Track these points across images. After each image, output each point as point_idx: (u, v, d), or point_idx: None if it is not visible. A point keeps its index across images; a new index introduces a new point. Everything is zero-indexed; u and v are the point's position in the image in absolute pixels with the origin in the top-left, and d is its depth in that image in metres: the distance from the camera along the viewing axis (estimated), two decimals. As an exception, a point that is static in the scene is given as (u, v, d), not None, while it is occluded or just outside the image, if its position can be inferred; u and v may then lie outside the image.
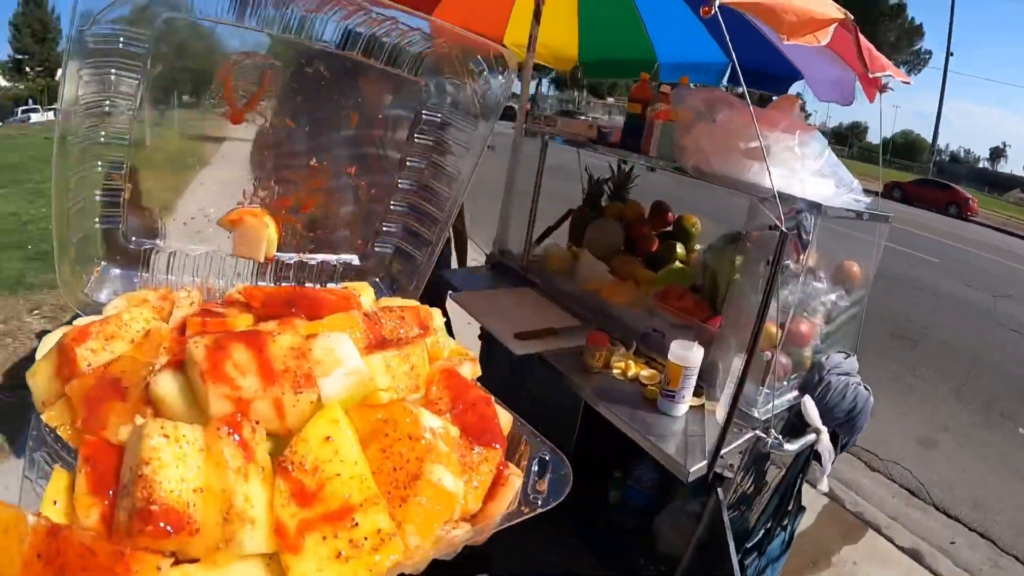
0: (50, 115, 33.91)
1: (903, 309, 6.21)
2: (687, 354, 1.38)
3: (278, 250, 1.05)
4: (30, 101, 38.17)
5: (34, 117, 32.35)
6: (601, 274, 2.07)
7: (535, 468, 0.85)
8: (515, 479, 0.81)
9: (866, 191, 1.58)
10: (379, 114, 1.07)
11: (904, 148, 41.58)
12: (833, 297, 1.60)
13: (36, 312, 3.98)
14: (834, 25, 1.27)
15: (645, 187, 2.54)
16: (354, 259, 1.17)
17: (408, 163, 1.11)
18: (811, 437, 1.45)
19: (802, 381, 1.57)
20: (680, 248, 2.17)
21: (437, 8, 3.12)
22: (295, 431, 0.70)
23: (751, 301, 1.35)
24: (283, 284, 1.08)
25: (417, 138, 1.09)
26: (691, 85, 1.82)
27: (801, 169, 1.40)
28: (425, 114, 1.08)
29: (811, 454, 1.55)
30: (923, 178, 23.46)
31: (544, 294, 2.14)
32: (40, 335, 3.62)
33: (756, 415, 1.44)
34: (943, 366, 4.97)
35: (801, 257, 1.37)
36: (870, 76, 1.53)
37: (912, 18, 36.41)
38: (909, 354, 5.13)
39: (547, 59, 3.53)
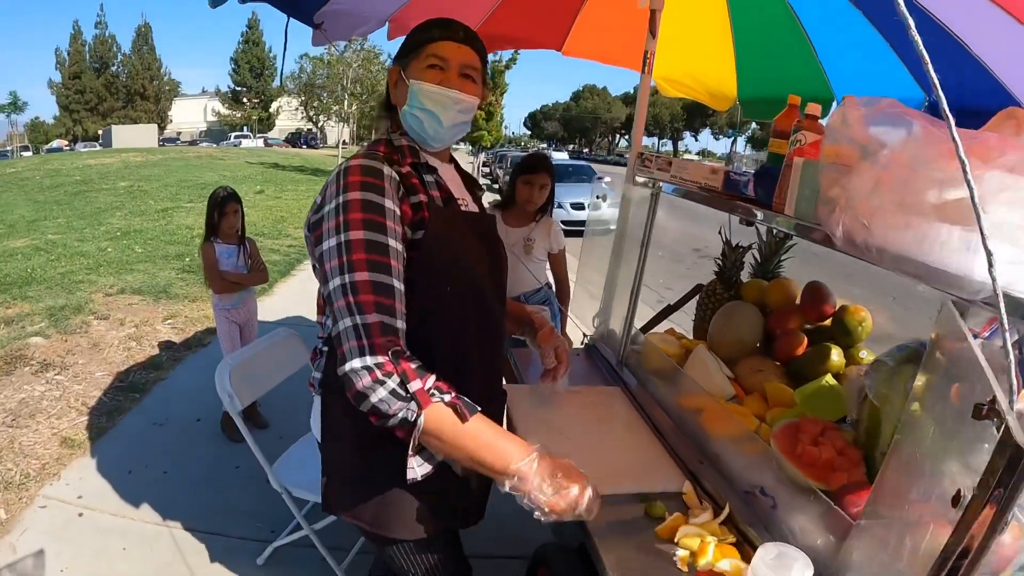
0: (259, 142, 39.77)
1: None
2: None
3: None
4: (244, 128, 45.13)
5: (244, 143, 38.17)
6: (716, 383, 1.49)
7: None
8: None
9: None
10: None
11: None
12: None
13: (169, 321, 4.23)
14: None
15: (810, 259, 1.76)
16: None
17: None
18: None
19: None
20: (837, 355, 1.49)
21: (568, 38, 2.80)
22: None
23: (923, 470, 0.75)
24: None
25: None
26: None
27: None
28: None
29: None
30: None
31: (635, 402, 1.59)
32: (164, 345, 3.80)
33: None
34: None
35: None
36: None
37: None
38: None
39: (702, 96, 3.08)
